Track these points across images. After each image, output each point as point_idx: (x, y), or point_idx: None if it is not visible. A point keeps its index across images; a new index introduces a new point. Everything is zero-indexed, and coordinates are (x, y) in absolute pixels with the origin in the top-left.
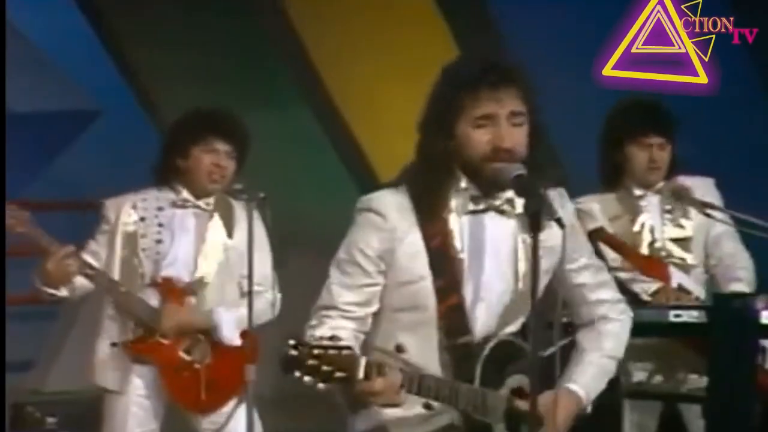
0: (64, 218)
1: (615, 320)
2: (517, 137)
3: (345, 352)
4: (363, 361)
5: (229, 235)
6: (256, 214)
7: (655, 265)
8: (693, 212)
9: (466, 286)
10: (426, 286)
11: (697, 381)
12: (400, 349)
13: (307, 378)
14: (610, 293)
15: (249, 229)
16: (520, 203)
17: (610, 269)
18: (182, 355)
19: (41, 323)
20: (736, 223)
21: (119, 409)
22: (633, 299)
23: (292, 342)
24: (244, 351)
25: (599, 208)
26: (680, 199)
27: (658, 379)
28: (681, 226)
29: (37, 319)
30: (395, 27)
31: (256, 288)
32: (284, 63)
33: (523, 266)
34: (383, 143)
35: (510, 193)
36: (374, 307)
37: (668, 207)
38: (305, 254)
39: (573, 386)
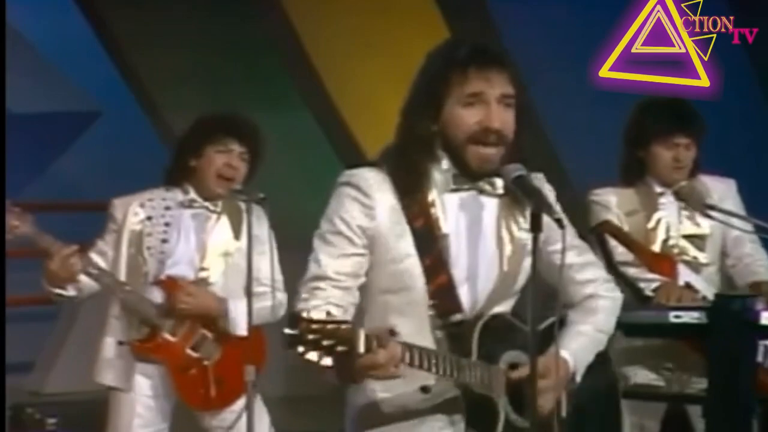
0: (64, 219)
1: (605, 297)
2: (506, 118)
3: (344, 325)
4: (362, 334)
5: (236, 236)
6: (263, 215)
7: (662, 261)
8: (719, 217)
9: (455, 263)
10: (413, 265)
11: (701, 382)
12: (392, 332)
13: (310, 354)
14: (598, 272)
15: (248, 228)
16: (500, 183)
17: (618, 263)
18: (190, 352)
19: (40, 325)
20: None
21: (125, 408)
22: (636, 295)
23: (290, 321)
24: (251, 347)
25: (616, 201)
26: (683, 199)
27: (660, 380)
28: (698, 224)
29: (36, 320)
30: (395, 29)
31: (261, 289)
32: (284, 65)
33: (508, 248)
34: (383, 144)
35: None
36: (361, 279)
37: (686, 205)
38: (303, 254)
39: (561, 351)
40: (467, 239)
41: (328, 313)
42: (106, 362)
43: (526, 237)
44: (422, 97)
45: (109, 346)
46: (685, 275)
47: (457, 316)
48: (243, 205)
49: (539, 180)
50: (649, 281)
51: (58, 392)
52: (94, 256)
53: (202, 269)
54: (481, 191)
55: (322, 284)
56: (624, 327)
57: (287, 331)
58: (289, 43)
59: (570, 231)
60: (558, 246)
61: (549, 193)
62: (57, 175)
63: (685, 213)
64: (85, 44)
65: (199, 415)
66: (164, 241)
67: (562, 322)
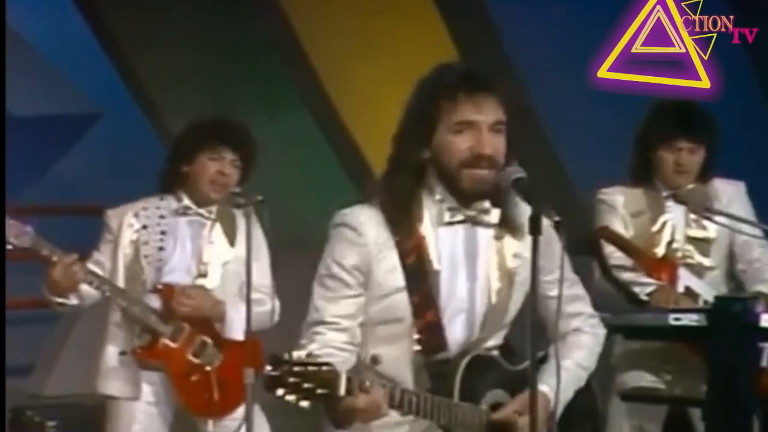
0: (64, 222)
1: (588, 333)
2: (497, 144)
3: (325, 368)
4: (344, 378)
5: (231, 243)
6: (256, 221)
7: (662, 265)
8: (719, 221)
9: (442, 300)
10: (402, 298)
11: (700, 385)
12: (375, 360)
13: (289, 396)
14: (585, 307)
15: (247, 232)
16: (495, 213)
17: (614, 267)
18: (191, 358)
19: (40, 327)
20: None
21: (124, 416)
22: (631, 300)
23: (271, 362)
24: (250, 353)
25: (623, 201)
26: (682, 202)
27: (660, 383)
28: (704, 228)
29: (36, 323)
30: (395, 30)
31: (257, 295)
32: (284, 66)
33: (496, 279)
34: (383, 147)
35: (486, 204)
36: (360, 318)
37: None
38: (303, 258)
39: (541, 386)
40: (459, 274)
41: (309, 354)
42: (110, 373)
43: (520, 265)
44: (413, 123)
45: (112, 356)
46: (685, 279)
47: (442, 355)
48: (236, 212)
49: (548, 228)
50: (645, 285)
51: (57, 395)
52: (92, 267)
53: (199, 276)
54: (475, 222)
55: (321, 329)
56: (623, 330)
57: (268, 372)
58: (288, 43)
59: (565, 263)
60: (551, 277)
61: (545, 224)
62: (57, 177)
63: (691, 216)
64: (85, 47)
65: (199, 422)
66: (161, 249)
67: (544, 358)
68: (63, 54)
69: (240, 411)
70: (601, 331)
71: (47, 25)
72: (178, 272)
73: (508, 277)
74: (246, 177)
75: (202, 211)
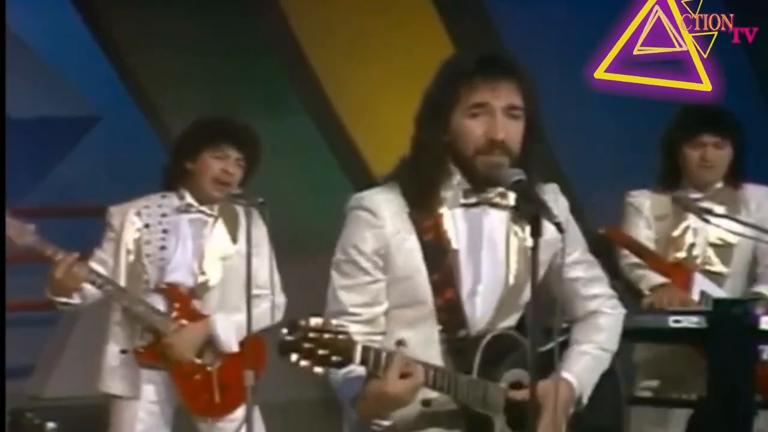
0: (64, 224)
1: (608, 314)
2: (511, 130)
3: (341, 336)
4: (359, 347)
5: (234, 240)
6: (259, 218)
7: (676, 269)
8: (744, 220)
9: (462, 280)
10: (422, 280)
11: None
12: (401, 343)
13: (303, 362)
14: (603, 288)
15: (247, 233)
16: (512, 196)
17: (626, 265)
18: (192, 356)
19: (40, 329)
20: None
21: (127, 415)
22: (635, 294)
23: (287, 327)
24: (252, 353)
25: (649, 204)
26: (679, 205)
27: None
28: (727, 233)
29: (35, 325)
30: (394, 32)
31: (258, 292)
32: (283, 68)
33: (514, 261)
34: (382, 148)
35: (502, 188)
36: (383, 306)
37: (718, 212)
38: (303, 259)
39: (565, 374)
40: (476, 254)
41: (327, 322)
42: (112, 372)
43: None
44: (431, 106)
45: (113, 354)
46: (701, 284)
47: (462, 332)
48: (239, 209)
49: (554, 191)
50: (650, 280)
51: (57, 397)
52: (95, 265)
53: (201, 274)
54: (492, 204)
55: (342, 321)
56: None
57: (284, 337)
58: (287, 45)
59: (581, 245)
60: (569, 259)
61: (563, 205)
62: (57, 179)
63: (715, 221)
64: (85, 49)
65: (198, 423)
66: (163, 248)
67: (565, 343)
68: (62, 56)
69: (239, 412)
70: (621, 311)
71: (47, 27)
72: (180, 271)
73: (525, 258)
74: (249, 176)
75: (204, 208)
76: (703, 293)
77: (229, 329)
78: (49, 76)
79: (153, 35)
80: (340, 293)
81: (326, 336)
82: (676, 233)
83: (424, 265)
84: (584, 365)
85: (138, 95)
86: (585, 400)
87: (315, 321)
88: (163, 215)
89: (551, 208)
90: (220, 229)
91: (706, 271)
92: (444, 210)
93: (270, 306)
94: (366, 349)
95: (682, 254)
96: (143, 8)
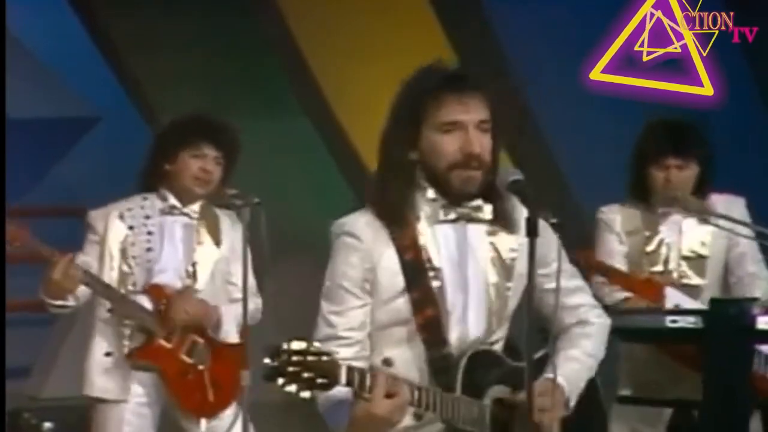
0: (63, 224)
1: (592, 323)
2: (484, 143)
3: (325, 358)
4: (344, 368)
5: (216, 243)
6: (237, 221)
7: (648, 286)
8: (714, 233)
9: (443, 297)
10: (405, 300)
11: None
12: (387, 362)
13: (289, 387)
14: (586, 298)
15: (245, 234)
16: (488, 209)
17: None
18: (185, 358)
19: (37, 330)
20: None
21: (114, 417)
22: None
23: (269, 353)
24: (240, 352)
25: (620, 219)
26: (673, 206)
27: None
28: (700, 245)
29: (33, 325)
30: (392, 32)
31: (239, 295)
32: (282, 69)
33: (495, 274)
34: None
35: (478, 201)
36: (369, 327)
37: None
38: (301, 260)
39: (553, 376)
40: (456, 271)
41: (309, 344)
42: (97, 375)
43: (517, 258)
44: (399, 123)
45: (99, 357)
46: (674, 298)
47: (443, 350)
48: (219, 213)
49: (545, 229)
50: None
51: (55, 397)
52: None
53: (190, 277)
54: (470, 219)
55: (333, 345)
56: (620, 332)
57: (267, 362)
58: (286, 46)
59: (563, 255)
60: (548, 270)
61: (551, 234)
62: (56, 180)
63: (687, 233)
64: (84, 50)
65: (185, 423)
66: (149, 249)
67: (546, 355)
68: (61, 57)
69: (228, 411)
70: (606, 320)
71: (46, 28)
72: (168, 273)
73: (505, 271)
74: (228, 174)
75: (187, 210)
76: (677, 307)
77: (230, 319)
78: (48, 77)
79: (152, 36)
80: (331, 318)
81: (310, 359)
82: (650, 248)
83: (404, 284)
84: (572, 369)
85: (136, 96)
86: (572, 404)
87: (297, 345)
88: (147, 217)
89: (548, 209)
90: (204, 231)
91: (684, 285)
92: (423, 227)
93: (254, 308)
94: (350, 370)
95: (658, 268)
96: (142, 9)
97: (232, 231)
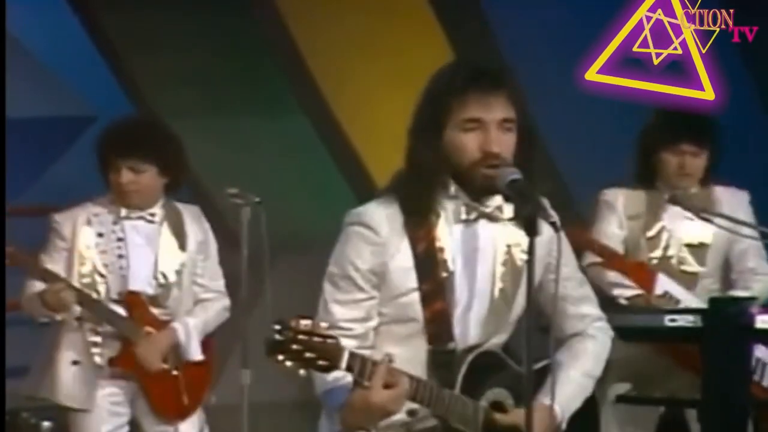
0: None
1: (595, 338)
2: (505, 142)
3: (330, 341)
4: (347, 353)
5: (181, 245)
6: (204, 219)
7: (639, 270)
8: (718, 222)
9: (455, 294)
10: (414, 295)
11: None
12: (389, 358)
13: (289, 363)
14: (592, 309)
15: (243, 234)
16: (508, 209)
17: (590, 265)
18: (161, 363)
19: (36, 329)
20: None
21: (89, 426)
22: (609, 302)
23: (278, 326)
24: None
25: (623, 201)
26: (677, 204)
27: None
28: (703, 232)
29: (31, 324)
30: (391, 33)
31: (208, 295)
32: (281, 69)
33: (504, 278)
34: (379, 149)
35: (499, 200)
36: (374, 322)
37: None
38: (300, 259)
39: (549, 402)
40: (474, 269)
41: (317, 325)
42: (65, 383)
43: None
44: (423, 120)
45: (67, 366)
46: (664, 284)
47: (448, 346)
48: (184, 213)
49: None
50: (625, 288)
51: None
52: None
53: (159, 281)
54: (490, 218)
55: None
56: (618, 331)
57: (274, 337)
58: (285, 46)
59: (572, 261)
60: (556, 275)
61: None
62: (54, 179)
63: (689, 221)
64: (82, 50)
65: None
66: (120, 256)
67: (547, 366)
68: (60, 57)
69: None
70: (609, 335)
71: (45, 29)
72: (138, 279)
73: (515, 274)
74: (175, 180)
75: (144, 214)
76: (666, 294)
77: (191, 337)
78: (47, 76)
79: (150, 36)
80: (332, 306)
81: (315, 339)
82: (651, 233)
83: (416, 277)
84: (569, 393)
85: (135, 96)
86: (564, 426)
87: (304, 323)
88: (115, 223)
89: (547, 208)
90: (167, 234)
91: (682, 272)
92: (441, 224)
93: (222, 307)
94: (353, 356)
95: (657, 253)
96: (141, 9)
97: (195, 227)
